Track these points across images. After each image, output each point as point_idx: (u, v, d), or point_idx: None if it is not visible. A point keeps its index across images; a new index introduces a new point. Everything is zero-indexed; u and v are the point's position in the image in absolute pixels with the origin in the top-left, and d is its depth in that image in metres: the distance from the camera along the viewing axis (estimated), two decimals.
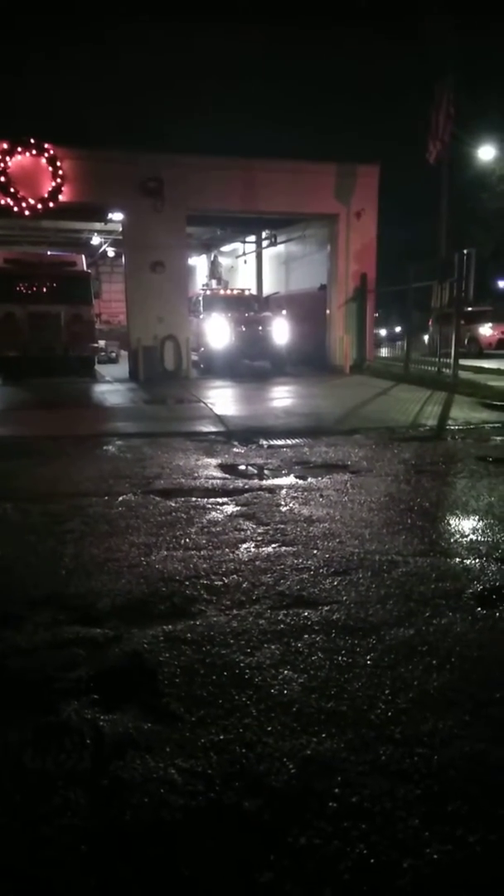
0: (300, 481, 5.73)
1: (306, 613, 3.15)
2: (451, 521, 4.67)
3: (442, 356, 13.54)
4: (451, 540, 4.25)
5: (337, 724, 2.31)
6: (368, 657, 2.76)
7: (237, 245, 24.35)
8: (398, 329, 27.18)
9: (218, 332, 15.77)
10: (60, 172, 14.20)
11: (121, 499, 5.14)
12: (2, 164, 13.87)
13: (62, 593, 3.41)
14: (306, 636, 2.94)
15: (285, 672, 2.65)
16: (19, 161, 13.98)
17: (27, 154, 14.01)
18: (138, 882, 1.73)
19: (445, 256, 19.56)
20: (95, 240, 22.66)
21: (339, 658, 2.75)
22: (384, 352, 22.36)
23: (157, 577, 3.60)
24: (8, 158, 13.91)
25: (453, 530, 4.45)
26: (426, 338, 21.07)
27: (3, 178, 13.90)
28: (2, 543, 4.16)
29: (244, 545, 4.10)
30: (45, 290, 15.84)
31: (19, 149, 13.94)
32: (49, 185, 14.19)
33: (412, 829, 1.87)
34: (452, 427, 8.47)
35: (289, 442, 7.47)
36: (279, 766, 2.11)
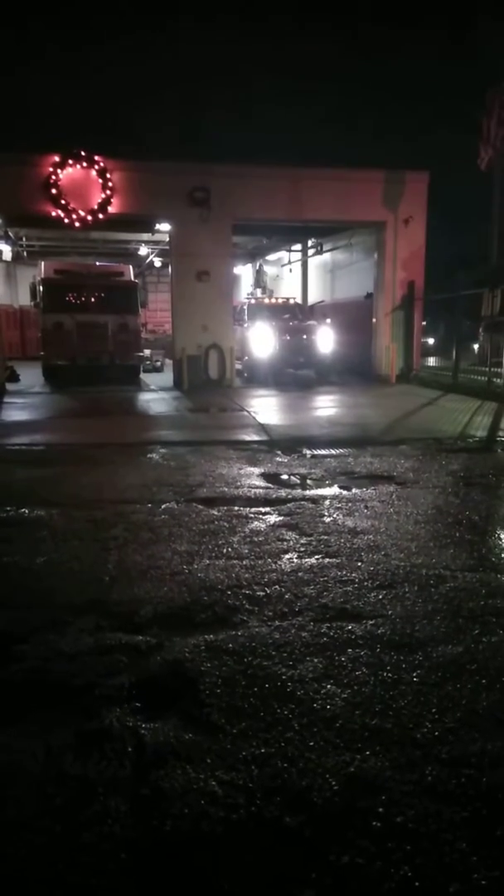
0: (344, 492, 5.67)
1: (350, 627, 3.10)
2: (502, 536, 4.54)
3: (493, 366, 13.25)
4: (502, 555, 4.13)
5: (381, 742, 2.26)
6: (414, 674, 2.69)
7: (282, 254, 24.40)
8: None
9: (262, 341, 15.78)
10: (110, 184, 14.46)
11: (164, 507, 5.17)
12: (53, 177, 14.20)
13: (105, 599, 3.43)
14: (350, 650, 2.89)
15: (328, 686, 2.60)
16: (70, 173, 14.30)
17: (78, 166, 14.32)
18: (178, 893, 1.71)
19: (497, 263, 19.22)
20: (142, 250, 22.97)
21: (384, 674, 2.69)
22: (431, 361, 22.05)
23: (199, 585, 3.60)
24: (59, 171, 14.23)
25: None
26: (476, 347, 20.67)
27: (54, 191, 14.22)
28: (47, 549, 4.22)
29: (287, 556, 4.07)
30: (93, 300, 16.16)
31: (70, 161, 14.25)
32: (99, 197, 14.46)
33: (459, 852, 1.81)
34: (503, 438, 8.27)
35: (333, 452, 7.41)
36: (321, 782, 2.07)
